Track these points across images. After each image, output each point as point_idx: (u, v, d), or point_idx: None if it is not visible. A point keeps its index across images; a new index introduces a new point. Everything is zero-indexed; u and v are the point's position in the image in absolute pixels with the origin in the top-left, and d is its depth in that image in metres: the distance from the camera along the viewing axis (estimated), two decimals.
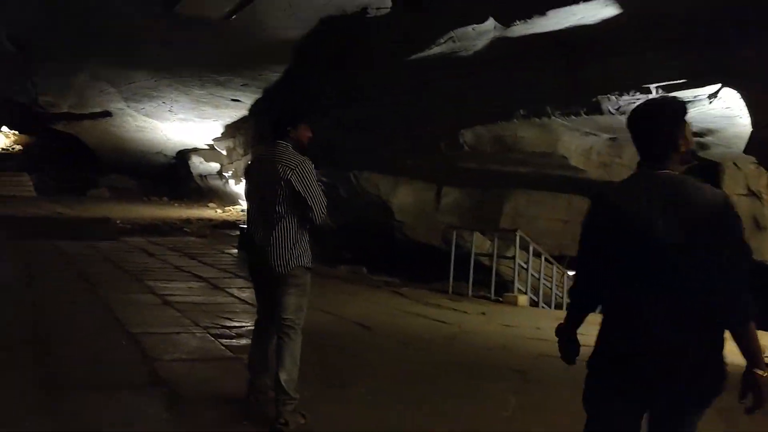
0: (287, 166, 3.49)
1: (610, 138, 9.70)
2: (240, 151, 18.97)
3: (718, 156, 9.71)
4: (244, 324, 6.01)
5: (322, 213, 3.54)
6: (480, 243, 11.53)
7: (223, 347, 5.15)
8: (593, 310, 2.25)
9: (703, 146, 9.44)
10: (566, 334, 2.27)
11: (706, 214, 1.96)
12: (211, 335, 5.53)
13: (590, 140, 9.50)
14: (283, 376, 3.49)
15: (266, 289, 3.71)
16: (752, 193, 10.17)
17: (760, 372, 1.94)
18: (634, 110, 2.17)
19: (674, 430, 2.10)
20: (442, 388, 4.49)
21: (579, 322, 2.27)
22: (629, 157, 10.32)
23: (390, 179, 12.56)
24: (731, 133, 8.13)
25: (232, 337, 5.50)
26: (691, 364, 1.96)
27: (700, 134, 8.56)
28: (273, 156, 3.59)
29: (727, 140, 8.52)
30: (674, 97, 3.15)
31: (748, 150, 6.15)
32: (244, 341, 5.13)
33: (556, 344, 2.29)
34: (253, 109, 16.01)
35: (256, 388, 3.74)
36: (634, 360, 2.00)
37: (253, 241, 3.68)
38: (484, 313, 8.20)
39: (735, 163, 10.04)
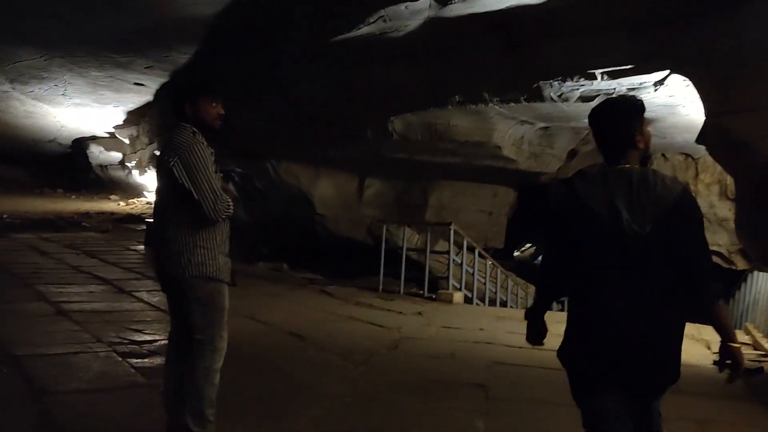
0: (171, 152, 2.86)
1: (543, 127, 9.38)
2: (145, 139, 17.60)
3: (650, 147, 9.66)
4: (157, 337, 5.16)
5: (215, 207, 2.84)
6: (408, 237, 11.03)
7: (133, 370, 4.31)
8: (560, 297, 2.41)
9: None
10: (534, 316, 2.36)
11: (669, 203, 2.04)
12: (118, 354, 4.66)
13: (523, 129, 9.15)
14: (189, 408, 2.86)
15: (173, 300, 3.08)
16: None
17: (733, 344, 2.14)
18: (594, 108, 2.28)
19: (641, 419, 2.16)
20: (398, 414, 3.86)
21: (547, 306, 2.36)
22: (560, 146, 10.09)
23: (311, 170, 11.83)
24: (669, 123, 7.97)
25: (143, 356, 4.66)
26: (655, 354, 2.07)
27: None
28: (167, 142, 2.96)
29: (664, 130, 8.37)
30: (633, 95, 3.24)
31: (700, 139, 5.89)
32: (158, 360, 4.31)
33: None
34: (159, 93, 14.75)
35: (174, 428, 3.00)
36: (600, 350, 2.07)
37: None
38: (420, 313, 7.68)
39: (663, 155, 10.03)
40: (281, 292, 8.70)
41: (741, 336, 7.35)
